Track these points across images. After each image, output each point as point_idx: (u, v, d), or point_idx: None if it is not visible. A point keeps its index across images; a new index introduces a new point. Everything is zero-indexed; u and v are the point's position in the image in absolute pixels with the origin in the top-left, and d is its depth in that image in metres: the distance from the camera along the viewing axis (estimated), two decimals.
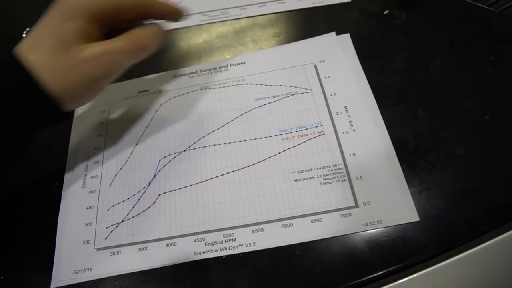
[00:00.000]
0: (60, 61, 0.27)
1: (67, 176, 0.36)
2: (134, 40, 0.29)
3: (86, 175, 0.35)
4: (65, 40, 0.27)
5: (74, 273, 0.31)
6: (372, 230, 0.29)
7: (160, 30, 0.31)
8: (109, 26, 0.30)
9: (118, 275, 0.30)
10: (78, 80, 0.28)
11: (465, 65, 0.36)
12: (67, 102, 0.28)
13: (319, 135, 0.33)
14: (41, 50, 0.27)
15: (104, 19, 0.29)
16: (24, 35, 0.45)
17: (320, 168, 0.32)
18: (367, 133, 0.33)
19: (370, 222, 0.29)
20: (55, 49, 0.27)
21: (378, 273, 0.28)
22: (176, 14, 0.33)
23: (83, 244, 0.32)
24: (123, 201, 0.33)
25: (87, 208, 0.33)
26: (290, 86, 0.36)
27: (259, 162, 0.33)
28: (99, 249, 0.31)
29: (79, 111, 0.40)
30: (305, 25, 0.42)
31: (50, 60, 0.27)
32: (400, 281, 0.28)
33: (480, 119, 0.33)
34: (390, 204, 0.30)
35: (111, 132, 0.37)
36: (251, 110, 0.36)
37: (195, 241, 0.30)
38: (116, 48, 0.29)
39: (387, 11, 0.40)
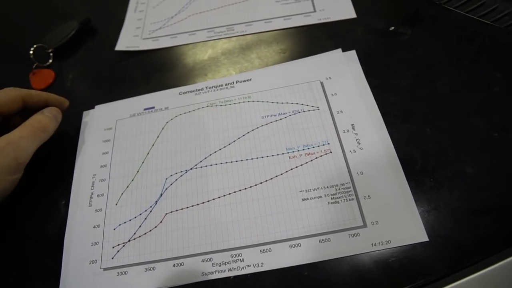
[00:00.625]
0: None
1: (73, 194, 0.36)
2: (34, 125, 0.34)
3: (92, 193, 0.35)
4: None
5: None
6: (380, 250, 0.29)
7: (57, 111, 0.37)
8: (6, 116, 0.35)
9: None
10: None
11: (471, 82, 0.36)
12: None
13: (326, 154, 0.33)
14: None
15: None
16: (31, 52, 0.45)
17: (327, 187, 0.32)
18: (374, 152, 0.33)
19: (379, 242, 0.29)
20: None
21: None
22: (59, 103, 0.38)
23: (90, 264, 0.32)
24: (130, 220, 0.33)
25: (94, 227, 0.33)
26: (297, 103, 0.36)
27: (266, 181, 0.33)
28: (105, 269, 0.31)
29: (85, 128, 0.40)
30: (310, 41, 0.42)
31: None
32: None
33: (488, 137, 0.32)
34: (398, 224, 0.29)
35: (117, 150, 0.37)
36: (257, 128, 0.36)
37: (202, 261, 0.30)
38: (19, 136, 0.33)
39: (392, 28, 0.40)
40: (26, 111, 0.37)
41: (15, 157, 0.32)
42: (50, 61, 0.47)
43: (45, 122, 0.35)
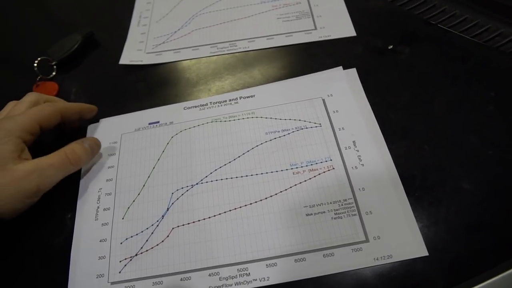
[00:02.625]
0: None
1: (79, 208, 0.36)
2: (68, 156, 0.35)
3: (98, 207, 0.36)
4: (1, 161, 0.32)
5: None
6: (382, 265, 0.30)
7: (96, 144, 0.38)
8: (38, 135, 0.36)
9: None
10: (10, 195, 0.32)
11: (467, 101, 0.37)
12: (5, 214, 0.33)
13: (329, 170, 0.34)
14: None
15: (31, 135, 0.35)
16: (35, 64, 0.46)
17: (330, 203, 0.33)
18: (375, 168, 0.34)
19: (381, 257, 0.30)
20: None
21: None
22: (89, 111, 0.40)
23: (97, 277, 0.32)
24: (137, 234, 0.34)
25: (100, 241, 0.34)
26: (300, 120, 0.37)
27: (271, 196, 0.34)
28: (113, 283, 0.32)
29: None
30: (311, 58, 0.43)
31: None
32: None
33: (484, 154, 0.34)
34: (399, 239, 0.30)
35: (123, 164, 0.38)
36: (261, 143, 0.37)
37: (209, 275, 0.31)
38: (48, 164, 0.33)
39: (391, 46, 0.42)
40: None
41: (37, 185, 0.33)
42: (54, 73, 0.47)
43: (79, 154, 0.35)
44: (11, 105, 0.38)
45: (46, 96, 0.39)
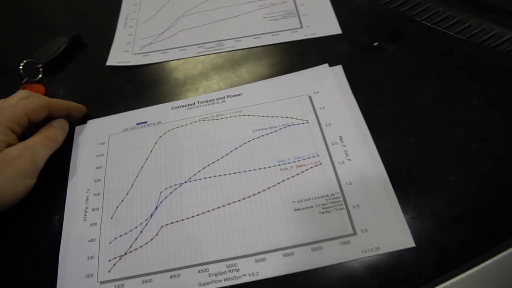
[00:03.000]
0: None
1: (68, 209, 0.36)
2: (46, 135, 0.37)
3: (87, 208, 0.36)
4: None
5: None
6: (370, 257, 0.30)
7: (65, 122, 0.40)
8: (26, 127, 0.37)
9: None
10: (8, 178, 0.33)
11: (451, 95, 0.38)
12: (6, 200, 0.34)
13: (316, 165, 0.34)
14: None
15: (19, 126, 0.36)
16: (21, 67, 0.46)
17: (318, 198, 0.33)
18: (362, 162, 0.34)
19: (368, 249, 0.30)
20: None
21: None
22: (78, 110, 0.42)
23: (86, 277, 0.32)
24: (126, 233, 0.34)
25: (89, 241, 0.34)
26: (287, 117, 0.38)
27: (259, 192, 0.34)
28: (102, 282, 0.32)
29: (78, 143, 0.40)
30: (298, 56, 0.43)
31: None
32: None
33: (468, 147, 0.34)
34: (386, 231, 0.31)
35: (111, 164, 0.38)
36: (249, 141, 0.37)
37: (199, 272, 0.31)
38: (35, 143, 0.36)
39: (376, 43, 0.43)
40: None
41: (32, 161, 0.35)
42: (40, 76, 0.47)
43: (55, 132, 0.38)
44: (1, 101, 0.38)
45: (36, 94, 0.39)
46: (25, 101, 0.37)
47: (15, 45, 0.52)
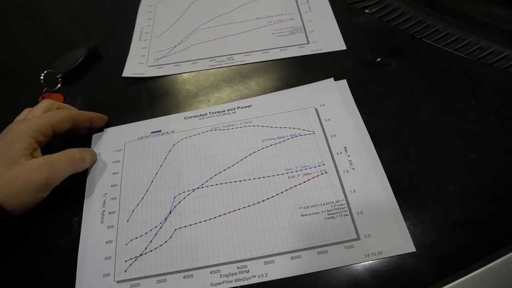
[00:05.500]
0: (8, 173, 0.34)
1: (86, 212, 0.38)
2: (74, 154, 0.38)
3: (104, 211, 0.37)
4: (14, 157, 0.35)
5: None
6: (373, 261, 0.32)
7: (94, 154, 0.41)
8: (50, 138, 0.39)
9: None
10: (19, 187, 0.34)
11: (450, 109, 0.40)
12: (14, 208, 0.34)
13: (322, 174, 0.36)
14: None
15: (44, 136, 0.38)
16: (41, 77, 0.48)
17: (324, 204, 0.35)
18: (365, 171, 0.36)
19: (372, 253, 0.32)
20: (4, 165, 0.34)
21: None
22: (100, 120, 0.44)
23: (104, 276, 0.34)
24: (141, 235, 0.35)
25: (106, 243, 0.36)
26: (294, 128, 0.40)
27: (268, 198, 0.36)
28: (119, 281, 0.33)
29: (95, 149, 0.42)
30: (305, 71, 0.46)
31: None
32: None
33: (466, 158, 0.36)
34: (389, 236, 0.33)
35: (127, 170, 0.40)
36: (258, 150, 0.39)
37: (211, 273, 0.33)
38: (57, 159, 0.36)
39: (379, 59, 0.45)
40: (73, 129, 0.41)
41: (46, 177, 0.35)
42: (59, 85, 0.49)
43: (84, 155, 0.39)
44: (26, 111, 0.40)
45: (59, 103, 0.42)
46: (51, 113, 0.39)
47: (36, 57, 0.55)
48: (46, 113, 0.39)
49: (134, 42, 0.53)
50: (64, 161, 0.37)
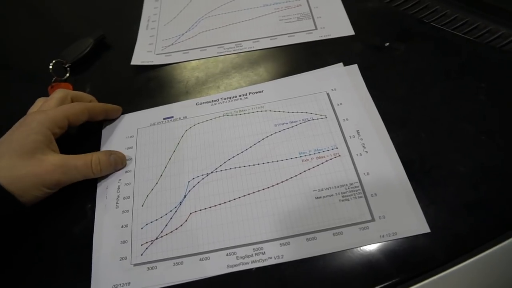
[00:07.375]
0: (22, 166, 0.34)
1: (100, 198, 0.38)
2: (93, 165, 0.37)
3: (118, 196, 0.38)
4: (31, 150, 0.35)
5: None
6: (388, 241, 0.32)
7: (122, 160, 0.40)
8: (65, 129, 0.39)
9: None
10: (33, 183, 0.34)
11: (459, 92, 0.40)
12: (24, 199, 0.34)
13: (335, 157, 0.37)
14: (8, 157, 0.34)
15: (60, 128, 0.38)
16: (50, 66, 0.48)
17: (338, 187, 0.35)
18: (378, 154, 0.36)
19: (386, 234, 0.32)
20: (20, 157, 0.34)
21: (394, 280, 0.31)
22: (115, 111, 0.44)
23: (120, 260, 0.34)
24: (156, 219, 0.36)
25: (122, 227, 0.36)
26: (306, 112, 0.40)
27: (282, 182, 0.36)
28: (135, 264, 0.34)
29: (107, 136, 0.42)
30: (314, 56, 0.46)
31: (13, 165, 0.34)
32: (414, 287, 0.31)
33: (476, 139, 0.37)
34: (403, 218, 0.33)
35: (140, 156, 0.40)
36: (271, 134, 0.39)
37: (227, 255, 0.33)
38: (73, 165, 0.36)
39: (387, 44, 0.45)
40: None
41: (58, 179, 0.35)
42: (67, 75, 0.49)
43: (102, 166, 0.38)
44: (41, 101, 0.40)
45: (72, 92, 0.42)
46: (67, 105, 0.39)
47: (44, 46, 0.55)
48: (62, 105, 0.39)
49: (141, 31, 0.53)
50: (79, 168, 0.37)
